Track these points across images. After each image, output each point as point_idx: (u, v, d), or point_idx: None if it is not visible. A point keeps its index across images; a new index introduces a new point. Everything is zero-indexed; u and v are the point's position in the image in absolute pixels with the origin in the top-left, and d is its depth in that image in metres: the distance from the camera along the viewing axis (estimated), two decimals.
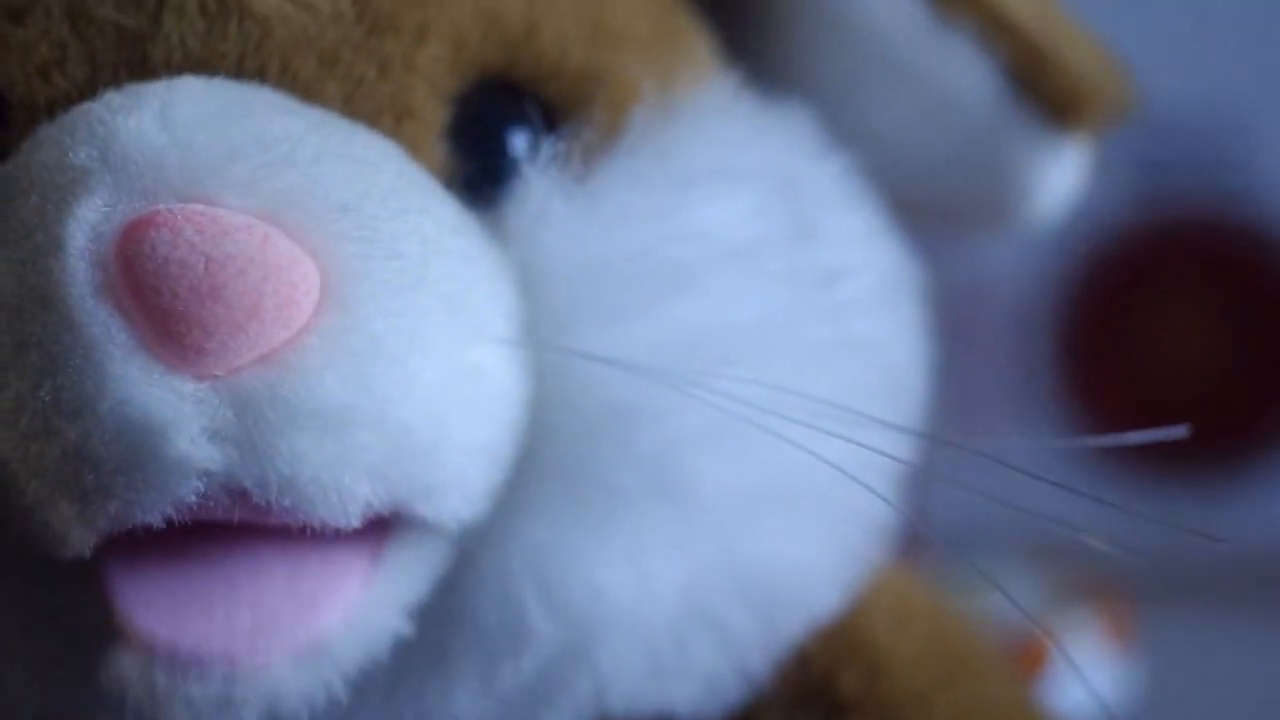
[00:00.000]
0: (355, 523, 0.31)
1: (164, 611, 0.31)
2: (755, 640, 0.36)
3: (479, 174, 0.35)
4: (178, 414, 0.30)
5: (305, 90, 0.33)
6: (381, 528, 0.32)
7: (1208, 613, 0.72)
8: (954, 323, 0.40)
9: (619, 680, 0.35)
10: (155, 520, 0.31)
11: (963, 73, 0.40)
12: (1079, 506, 0.34)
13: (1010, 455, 0.34)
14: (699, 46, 0.39)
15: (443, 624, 0.34)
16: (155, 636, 0.31)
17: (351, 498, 0.31)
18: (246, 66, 0.33)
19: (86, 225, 0.30)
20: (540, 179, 0.35)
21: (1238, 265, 0.88)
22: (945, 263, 0.41)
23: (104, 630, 0.32)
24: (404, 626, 0.33)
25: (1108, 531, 0.35)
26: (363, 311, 0.31)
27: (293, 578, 0.32)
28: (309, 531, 0.31)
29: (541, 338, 0.33)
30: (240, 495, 0.31)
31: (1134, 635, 0.68)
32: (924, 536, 0.36)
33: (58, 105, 0.33)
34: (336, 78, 0.34)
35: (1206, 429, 0.85)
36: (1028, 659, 0.52)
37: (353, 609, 0.32)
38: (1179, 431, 0.33)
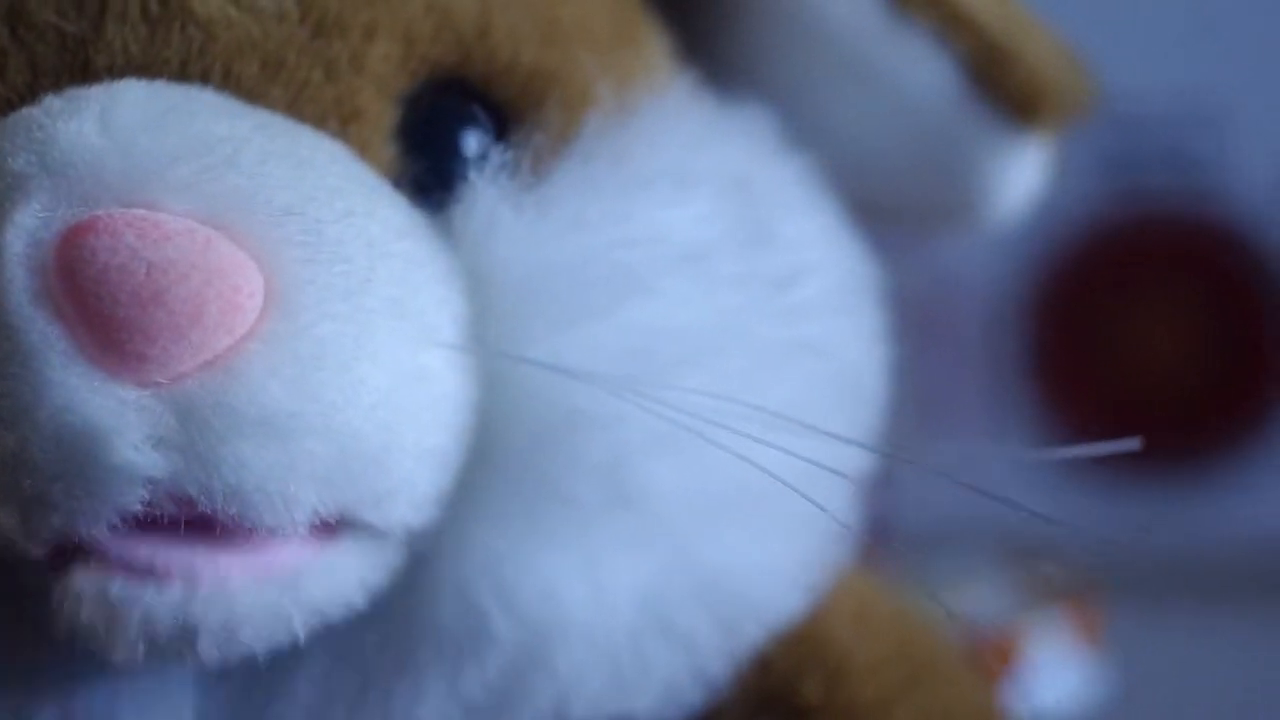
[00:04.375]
0: (302, 530, 0.31)
1: (122, 531, 0.31)
2: (715, 646, 0.36)
3: (429, 175, 0.34)
4: (120, 421, 0.30)
5: (249, 94, 0.33)
6: (328, 532, 0.32)
7: (1178, 612, 0.72)
8: (924, 323, 0.40)
9: (579, 687, 0.35)
10: (99, 529, 0.30)
11: (921, 70, 0.40)
12: (1046, 508, 0.33)
13: (978, 459, 0.34)
14: (655, 46, 0.39)
15: (406, 627, 0.34)
16: (112, 549, 0.31)
17: (298, 505, 0.31)
18: (189, 71, 0.33)
19: (25, 231, 0.30)
20: (491, 181, 0.34)
21: (1208, 262, 0.88)
22: (914, 263, 0.41)
23: (62, 628, 0.31)
24: (359, 599, 0.33)
25: (1074, 534, 0.35)
26: (307, 316, 0.31)
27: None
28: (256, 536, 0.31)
29: (491, 343, 0.33)
30: (185, 503, 0.30)
31: (1103, 636, 0.68)
32: (887, 540, 0.36)
33: None
34: (281, 81, 0.34)
35: (1177, 427, 0.85)
36: (995, 660, 0.52)
37: (311, 557, 0.32)
38: (1133, 443, 0.33)
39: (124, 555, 0.31)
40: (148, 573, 0.31)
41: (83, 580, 0.31)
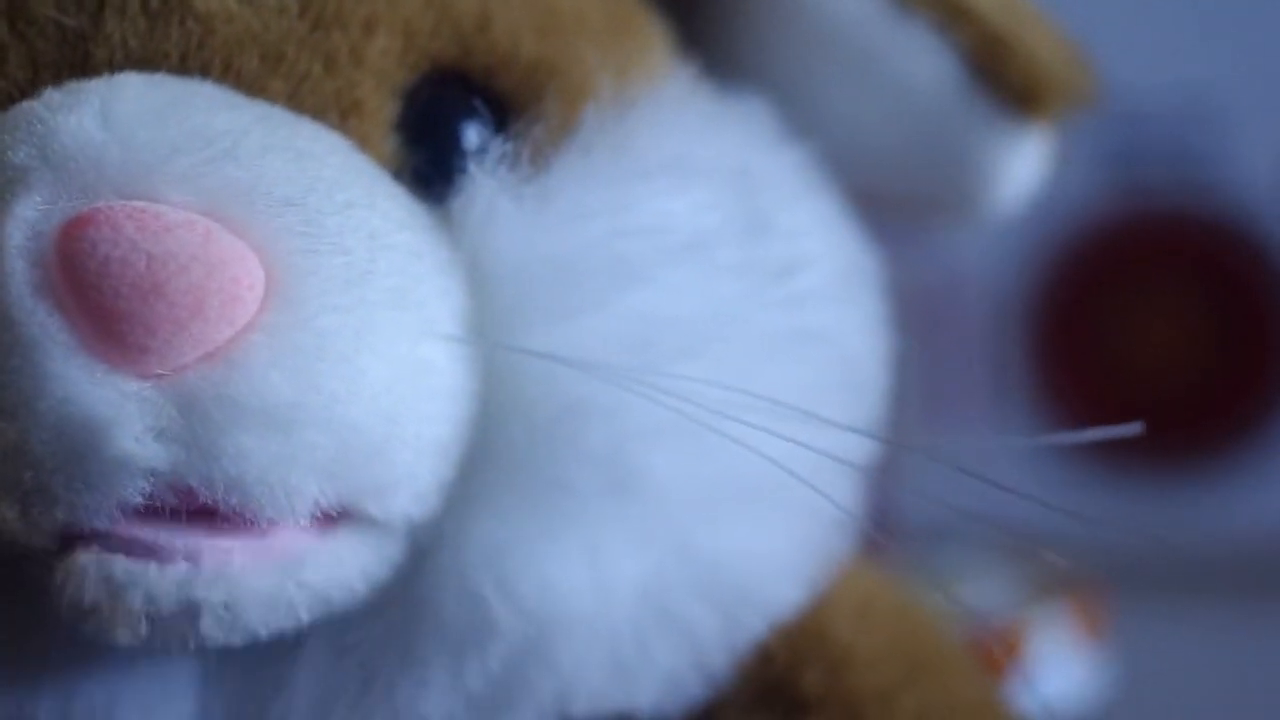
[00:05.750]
0: (304, 521, 0.31)
1: (126, 514, 0.31)
2: (716, 637, 0.36)
3: (430, 167, 0.35)
4: (120, 413, 0.30)
5: (249, 88, 0.33)
6: (330, 525, 0.32)
7: (1181, 606, 0.72)
8: (926, 317, 0.40)
9: (581, 679, 0.35)
10: (101, 521, 0.30)
11: (922, 62, 0.40)
12: (1049, 503, 0.33)
13: (981, 453, 0.34)
14: (655, 38, 0.39)
15: (408, 620, 0.34)
16: (116, 528, 0.31)
17: (299, 496, 0.31)
18: (189, 65, 0.33)
19: (25, 223, 0.30)
20: (491, 173, 0.34)
21: (1209, 257, 0.88)
22: (917, 257, 0.41)
23: (65, 610, 0.31)
24: (360, 587, 0.33)
25: (1077, 528, 0.35)
26: (308, 308, 0.31)
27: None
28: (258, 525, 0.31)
29: (491, 334, 0.33)
30: (187, 494, 0.30)
31: (1107, 629, 0.68)
32: (889, 532, 0.36)
33: None
34: (281, 74, 0.34)
35: (1179, 422, 0.85)
36: (999, 654, 0.52)
37: (313, 545, 0.32)
38: (1136, 429, 0.33)
39: (127, 536, 0.31)
40: (151, 552, 0.31)
41: (85, 560, 0.31)
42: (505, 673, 0.34)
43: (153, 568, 0.31)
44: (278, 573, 0.31)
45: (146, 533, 0.31)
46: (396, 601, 0.34)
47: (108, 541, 0.31)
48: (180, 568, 0.31)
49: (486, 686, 0.34)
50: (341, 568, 0.32)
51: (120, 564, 0.31)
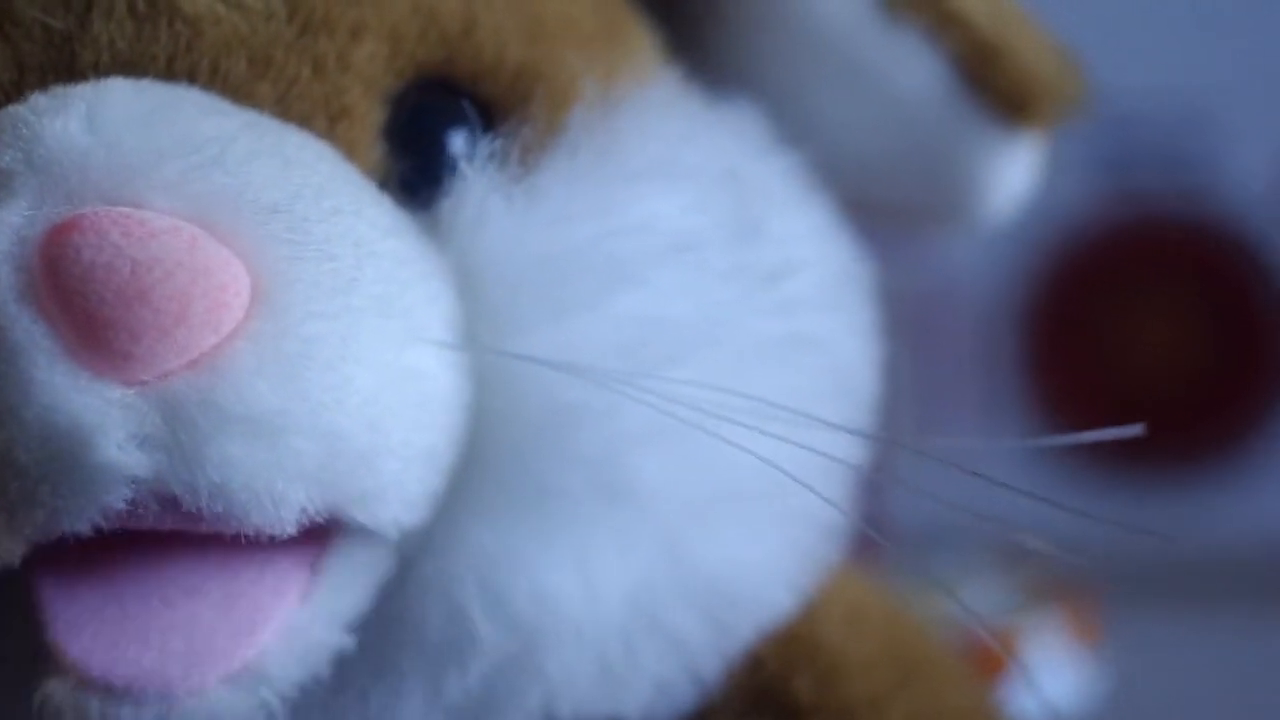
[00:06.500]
0: (290, 530, 0.31)
1: (96, 638, 0.31)
2: (706, 644, 0.36)
3: (416, 174, 0.34)
4: (104, 420, 0.29)
5: (236, 92, 0.33)
6: (319, 535, 0.32)
7: (1174, 612, 0.72)
8: (919, 323, 0.40)
9: (567, 687, 0.35)
10: (84, 529, 0.30)
11: (913, 69, 0.40)
12: (1041, 508, 0.33)
13: (974, 457, 0.34)
14: (642, 42, 0.39)
15: (386, 631, 0.34)
16: (88, 666, 0.30)
17: (285, 504, 0.31)
18: (176, 68, 0.33)
19: (10, 229, 0.30)
20: (478, 178, 0.34)
21: (1203, 262, 0.88)
22: (910, 264, 0.41)
23: (37, 647, 0.31)
24: (344, 641, 0.33)
25: (1070, 533, 0.34)
26: (294, 315, 0.30)
27: (228, 596, 0.31)
28: (244, 540, 0.31)
29: (481, 340, 0.33)
30: (171, 503, 0.30)
31: (1100, 635, 0.68)
32: (881, 538, 0.36)
33: None
34: (269, 79, 0.33)
35: (1174, 428, 0.85)
36: (990, 659, 0.52)
37: (290, 627, 0.31)
38: (1135, 430, 0.33)
39: (102, 674, 0.30)
40: (125, 692, 0.30)
41: (61, 696, 0.30)
42: (489, 682, 0.34)
43: (127, 709, 0.30)
44: (251, 687, 0.31)
45: (121, 670, 0.30)
46: (378, 614, 0.33)
47: (81, 679, 0.30)
48: (153, 707, 0.30)
49: (468, 696, 0.34)
50: (318, 645, 0.32)
51: (95, 706, 0.30)
